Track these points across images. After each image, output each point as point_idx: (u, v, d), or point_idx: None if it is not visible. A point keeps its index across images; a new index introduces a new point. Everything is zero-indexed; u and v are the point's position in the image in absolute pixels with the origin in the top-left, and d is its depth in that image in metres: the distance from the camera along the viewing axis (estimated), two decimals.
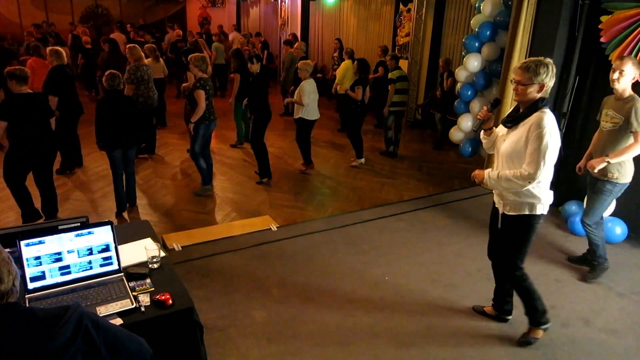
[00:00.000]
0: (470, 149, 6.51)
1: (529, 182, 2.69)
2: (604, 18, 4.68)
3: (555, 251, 4.50)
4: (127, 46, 6.83)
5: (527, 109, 2.77)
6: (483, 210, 5.40)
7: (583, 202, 4.87)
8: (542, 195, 2.85)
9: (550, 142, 2.65)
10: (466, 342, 3.23)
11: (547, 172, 2.71)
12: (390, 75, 7.10)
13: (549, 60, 2.76)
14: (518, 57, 5.40)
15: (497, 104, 3.08)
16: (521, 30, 5.30)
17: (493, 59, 6.13)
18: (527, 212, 2.88)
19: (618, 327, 3.43)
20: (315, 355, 3.05)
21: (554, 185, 5.43)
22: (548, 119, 2.69)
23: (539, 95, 2.74)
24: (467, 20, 8.17)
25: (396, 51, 9.58)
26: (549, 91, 2.76)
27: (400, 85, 7.10)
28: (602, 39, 4.73)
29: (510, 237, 3.03)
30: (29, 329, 1.24)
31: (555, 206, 5.38)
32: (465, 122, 6.45)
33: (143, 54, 6.61)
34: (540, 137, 2.64)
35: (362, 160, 6.89)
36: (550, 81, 2.73)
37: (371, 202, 5.65)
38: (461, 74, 6.50)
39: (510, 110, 3.02)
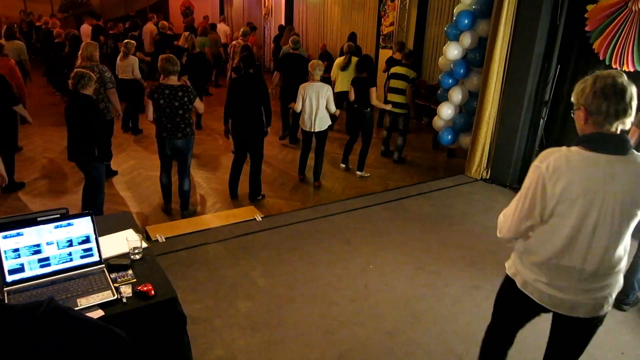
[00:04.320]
0: (450, 137, 6.55)
1: (499, 233, 2.07)
2: (589, 7, 4.73)
3: None
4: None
5: None
6: (466, 198, 5.48)
7: None
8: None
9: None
10: (450, 330, 3.27)
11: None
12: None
13: (591, 75, 1.83)
14: (500, 46, 5.44)
15: None
16: (503, 19, 5.32)
17: (472, 48, 6.15)
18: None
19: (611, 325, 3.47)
20: (300, 344, 3.07)
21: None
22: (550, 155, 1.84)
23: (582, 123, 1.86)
24: (450, 10, 8.18)
25: (380, 41, 9.56)
26: (603, 124, 1.79)
27: (394, 83, 6.47)
28: (587, 28, 4.78)
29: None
30: (1, 326, 1.21)
31: None
32: (445, 111, 6.47)
33: (96, 53, 5.45)
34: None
35: (342, 165, 6.40)
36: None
37: (356, 191, 5.66)
38: (442, 63, 6.54)
39: None
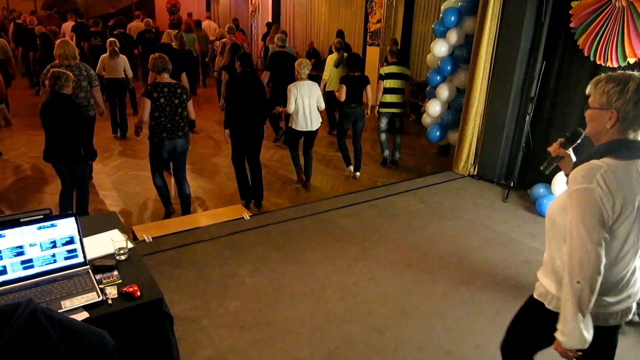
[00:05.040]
0: (438, 134, 6.57)
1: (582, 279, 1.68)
2: (574, 4, 4.77)
3: (524, 233, 4.60)
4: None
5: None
6: (454, 195, 5.50)
7: (550, 185, 4.99)
8: None
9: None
10: (438, 326, 3.28)
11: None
12: (380, 71, 6.37)
13: (630, 77, 1.67)
14: (487, 43, 5.47)
15: (575, 137, 1.96)
16: (489, 16, 5.35)
17: (459, 45, 6.17)
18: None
19: None
20: (289, 343, 3.06)
21: (521, 171, 5.61)
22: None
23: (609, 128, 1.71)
24: (437, 7, 8.21)
25: (368, 38, 9.57)
26: (628, 130, 1.69)
27: (391, 83, 6.16)
28: (571, 24, 4.83)
29: None
30: None
31: (524, 189, 5.51)
32: (433, 108, 6.50)
33: (76, 51, 5.10)
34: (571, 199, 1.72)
35: (351, 168, 6.10)
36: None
37: (344, 189, 5.66)
38: (430, 60, 6.56)
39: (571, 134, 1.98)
